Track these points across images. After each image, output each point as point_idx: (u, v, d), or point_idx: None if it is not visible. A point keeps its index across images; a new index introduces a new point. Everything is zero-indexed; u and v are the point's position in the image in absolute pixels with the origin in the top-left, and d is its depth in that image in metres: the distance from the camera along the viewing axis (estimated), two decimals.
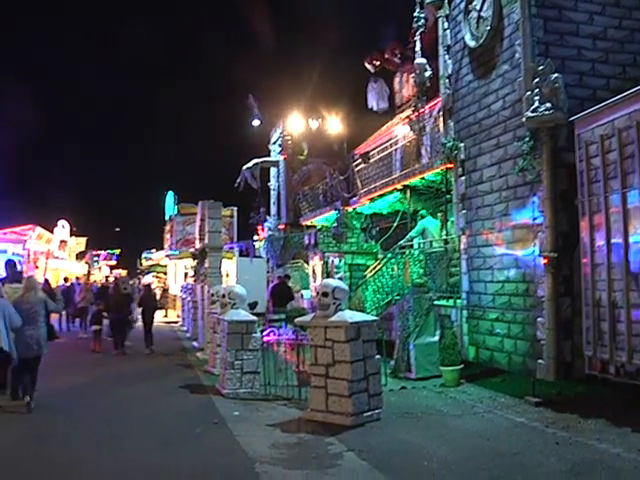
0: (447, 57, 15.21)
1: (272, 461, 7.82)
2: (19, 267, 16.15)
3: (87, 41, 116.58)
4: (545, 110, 11.33)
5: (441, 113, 15.79)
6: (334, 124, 29.61)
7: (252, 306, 18.45)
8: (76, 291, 24.65)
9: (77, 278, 34.44)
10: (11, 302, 11.15)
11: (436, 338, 13.85)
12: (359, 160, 22.88)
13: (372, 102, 27.02)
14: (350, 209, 22.95)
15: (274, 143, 32.26)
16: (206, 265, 19.70)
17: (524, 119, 11.75)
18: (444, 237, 16.72)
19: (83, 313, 23.60)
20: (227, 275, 29.92)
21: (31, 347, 11.05)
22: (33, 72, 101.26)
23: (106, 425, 10.08)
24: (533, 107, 11.49)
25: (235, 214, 35.83)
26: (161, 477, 7.39)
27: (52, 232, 45.97)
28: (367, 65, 26.07)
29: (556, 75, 11.32)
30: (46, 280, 27.92)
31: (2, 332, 10.37)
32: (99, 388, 13.37)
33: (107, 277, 50.25)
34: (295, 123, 30.14)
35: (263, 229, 32.40)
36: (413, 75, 16.69)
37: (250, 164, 30.47)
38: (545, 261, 11.55)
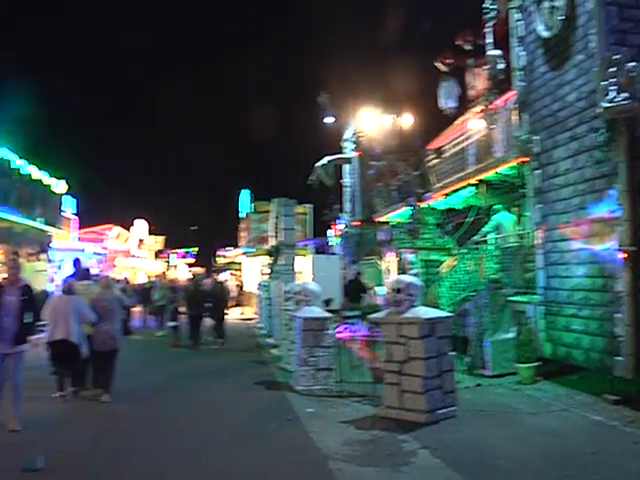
0: (520, 49, 14.96)
1: (345, 458, 7.83)
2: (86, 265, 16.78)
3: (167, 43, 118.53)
4: (622, 100, 11.04)
5: (515, 106, 15.54)
6: (407, 120, 29.46)
7: (327, 303, 18.51)
8: (156, 288, 24.91)
9: (157, 276, 35.09)
10: (89, 299, 11.83)
11: (512, 335, 13.63)
12: (432, 155, 22.69)
13: (442, 102, 26.75)
14: (424, 205, 22.77)
15: (347, 140, 32.25)
16: (280, 262, 19.85)
17: (600, 110, 11.48)
18: (519, 232, 16.48)
19: (162, 310, 23.86)
20: (301, 272, 30.13)
21: (107, 341, 11.75)
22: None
23: (181, 421, 10.29)
24: (609, 97, 11.20)
25: (309, 211, 35.99)
26: (235, 473, 7.46)
27: (131, 231, 46.88)
28: (439, 64, 25.81)
29: (633, 64, 11.02)
30: (125, 278, 28.62)
31: (73, 327, 11.08)
32: (175, 384, 13.65)
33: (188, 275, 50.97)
34: (368, 120, 30.07)
35: (337, 226, 32.46)
36: (485, 68, 16.48)
37: (323, 161, 30.57)
38: (624, 255, 11.26)
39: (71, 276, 14.73)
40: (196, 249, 70.22)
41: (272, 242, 22.11)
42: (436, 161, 22.35)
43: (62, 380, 11.60)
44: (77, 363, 11.55)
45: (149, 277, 41.39)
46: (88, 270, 16.64)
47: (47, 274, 28.73)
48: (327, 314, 12.92)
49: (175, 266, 64.54)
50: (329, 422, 9.84)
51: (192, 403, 11.65)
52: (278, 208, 20.36)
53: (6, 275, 9.73)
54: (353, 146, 31.22)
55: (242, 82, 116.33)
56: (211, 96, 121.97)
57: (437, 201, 21.86)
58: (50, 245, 27.66)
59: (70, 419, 10.39)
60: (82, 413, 10.91)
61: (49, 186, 27.23)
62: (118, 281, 24.59)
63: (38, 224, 25.08)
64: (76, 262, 16.03)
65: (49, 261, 27.70)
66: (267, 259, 26.15)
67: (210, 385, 13.45)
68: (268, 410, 10.95)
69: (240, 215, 44.54)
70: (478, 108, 18.59)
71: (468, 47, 23.92)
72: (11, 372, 9.31)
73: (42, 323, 10.60)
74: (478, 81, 22.08)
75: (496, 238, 17.14)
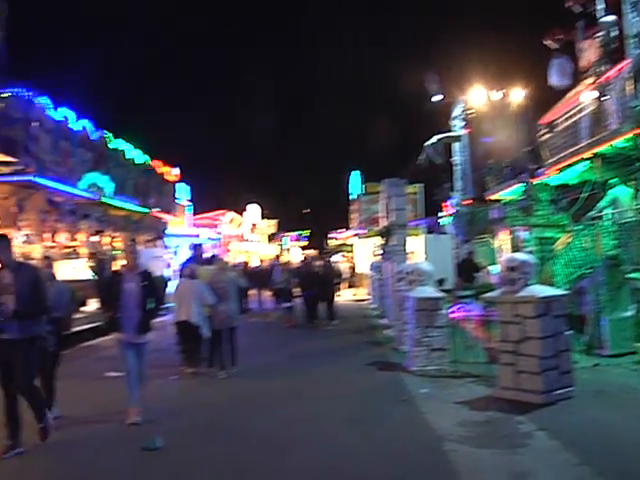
0: (633, 15, 14.40)
1: (460, 439, 7.76)
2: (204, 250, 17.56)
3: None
4: None
5: (630, 75, 14.99)
6: (517, 95, 28.82)
7: (440, 283, 18.37)
8: (276, 271, 25.14)
9: (277, 258, 35.70)
10: (207, 282, 12.81)
11: (630, 313, 13.20)
12: (544, 130, 22.17)
13: (554, 79, 26.02)
14: (537, 181, 22.27)
15: (456, 118, 31.80)
16: (392, 243, 19.76)
17: None
18: (637, 206, 15.92)
19: (282, 292, 24.07)
20: (413, 252, 29.95)
21: (224, 320, 12.72)
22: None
23: (295, 401, 10.45)
24: None
25: (420, 191, 35.74)
26: (349, 453, 7.51)
27: (244, 216, 47.59)
28: (548, 42, 25.09)
29: None
30: (245, 262, 29.19)
31: (194, 308, 12.30)
32: (289, 365, 13.94)
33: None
34: (477, 97, 29.56)
35: (448, 205, 32.11)
36: (597, 36, 15.95)
37: (433, 140, 30.28)
38: None
39: (188, 261, 15.65)
40: (308, 232, 70.78)
41: (383, 223, 22.03)
42: (548, 136, 21.84)
43: (189, 358, 12.75)
44: (198, 342, 12.65)
45: (262, 261, 42.06)
46: (214, 256, 17.34)
47: (164, 260, 29.58)
48: (440, 294, 12.85)
49: (288, 249, 65.27)
50: (443, 403, 9.78)
51: (306, 384, 11.78)
52: (388, 188, 20.23)
53: (125, 262, 9.55)
54: (462, 123, 30.77)
55: (348, 63, 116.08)
56: (318, 78, 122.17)
57: (550, 177, 21.37)
58: (166, 232, 28.39)
59: (190, 397, 10.82)
60: (201, 391, 11.43)
61: (163, 174, 27.94)
62: (236, 265, 25.19)
63: (154, 211, 25.77)
64: (195, 247, 16.68)
65: (165, 247, 28.41)
66: (379, 240, 26.14)
67: (324, 366, 13.58)
68: (382, 391, 10.97)
69: (351, 197, 44.61)
70: (590, 79, 18.02)
71: (578, 9, 23.06)
72: (136, 362, 9.13)
73: (165, 307, 11.24)
74: (589, 51, 21.38)
75: (613, 213, 16.60)
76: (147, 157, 25.54)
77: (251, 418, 9.40)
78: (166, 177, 28.66)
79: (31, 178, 15.31)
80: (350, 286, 38.33)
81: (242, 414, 9.67)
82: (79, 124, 18.98)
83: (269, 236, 58.65)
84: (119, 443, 8.12)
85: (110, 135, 21.46)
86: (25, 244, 19.16)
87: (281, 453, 7.62)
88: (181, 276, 13.57)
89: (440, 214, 32.75)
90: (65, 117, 17.92)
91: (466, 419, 8.75)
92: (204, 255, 17.04)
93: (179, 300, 12.60)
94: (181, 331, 12.68)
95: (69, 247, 20.10)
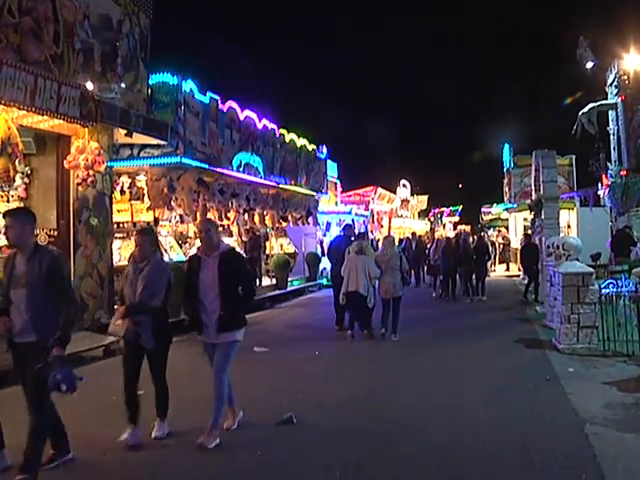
0: None
1: (604, 422, 7.39)
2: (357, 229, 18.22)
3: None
4: None
5: None
6: None
7: (594, 258, 17.68)
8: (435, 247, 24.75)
9: (432, 233, 35.50)
10: (374, 256, 14.40)
11: None
12: None
13: None
14: None
15: (610, 85, 30.30)
16: (542, 216, 19.16)
17: None
18: None
19: (436, 268, 23.78)
20: (568, 226, 29.00)
21: (389, 290, 14.00)
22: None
23: (438, 375, 10.45)
24: None
25: (573, 162, 34.49)
26: (486, 431, 7.33)
27: (394, 192, 47.43)
28: None
29: None
30: (407, 238, 29.17)
31: (362, 280, 13.49)
32: (437, 338, 14.04)
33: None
34: (632, 61, 28.05)
35: (607, 176, 30.76)
36: None
37: (586, 109, 29.02)
38: None
39: (337, 239, 16.99)
40: (461, 207, 69.84)
41: (533, 196, 21.41)
42: None
43: (349, 323, 14.56)
44: (365, 310, 13.97)
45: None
46: (365, 232, 18.00)
47: (315, 237, 29.95)
48: (589, 269, 12.32)
49: (444, 225, 64.66)
50: (590, 383, 9.40)
51: (450, 359, 11.77)
52: (538, 160, 19.60)
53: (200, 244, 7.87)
54: (617, 90, 29.30)
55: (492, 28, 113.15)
56: (462, 47, 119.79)
57: None
58: (316, 209, 28.65)
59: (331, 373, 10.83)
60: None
61: (312, 152, 28.18)
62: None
63: (303, 189, 26.06)
64: (346, 227, 17.17)
65: (316, 224, 28.71)
66: (530, 214, 25.46)
67: (470, 342, 13.44)
68: (527, 369, 10.71)
69: (504, 170, 43.65)
70: None
71: None
72: (215, 367, 7.22)
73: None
74: None
75: None
76: (295, 136, 25.79)
77: (391, 390, 9.44)
78: (315, 155, 28.88)
79: (180, 159, 15.73)
80: (503, 261, 37.61)
81: (383, 385, 9.73)
82: (226, 106, 19.37)
83: (420, 212, 58.23)
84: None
85: (257, 116, 21.80)
86: (178, 224, 19.95)
87: (417, 428, 7.53)
88: (328, 253, 16.34)
89: (595, 186, 31.40)
90: (212, 99, 18.32)
91: (613, 401, 8.35)
92: (364, 233, 17.71)
93: (348, 273, 13.74)
94: (350, 300, 13.82)
95: (220, 225, 20.68)
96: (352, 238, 15.75)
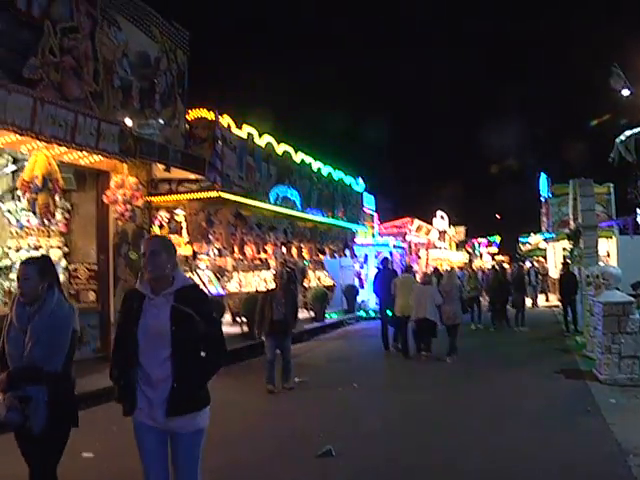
0: None
1: None
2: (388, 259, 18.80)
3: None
4: None
5: None
6: None
7: (635, 286, 17.44)
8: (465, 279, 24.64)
9: (469, 264, 35.34)
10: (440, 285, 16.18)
11: None
12: None
13: None
14: None
15: None
16: (581, 246, 19.01)
17: None
18: None
19: (473, 302, 23.59)
20: (608, 255, 28.67)
21: (450, 318, 15.35)
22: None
23: (479, 403, 10.48)
24: None
25: (611, 190, 34.18)
26: (527, 461, 7.26)
27: (430, 223, 47.36)
28: None
29: None
30: (435, 268, 29.08)
31: (430, 308, 14.82)
32: (477, 369, 14.04)
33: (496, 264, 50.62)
34: None
35: None
36: None
37: (623, 137, 28.78)
38: None
39: (379, 272, 17.88)
40: (499, 238, 69.52)
41: (572, 225, 21.25)
42: None
43: (422, 345, 15.54)
44: (433, 334, 15.35)
45: (452, 268, 41.64)
46: (411, 267, 20.31)
47: (353, 269, 29.98)
48: (629, 298, 12.19)
49: (480, 255, 64.35)
50: (632, 414, 9.27)
51: (491, 388, 11.83)
52: (576, 189, 19.49)
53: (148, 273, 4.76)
54: None
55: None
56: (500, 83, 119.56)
57: None
58: (353, 241, 28.69)
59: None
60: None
61: (349, 185, 28.31)
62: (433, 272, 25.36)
63: (340, 222, 26.12)
64: (384, 261, 18.26)
65: (353, 257, 28.74)
66: (568, 243, 25.23)
67: (512, 371, 13.50)
68: (567, 399, 10.61)
69: (541, 199, 43.39)
70: None
71: None
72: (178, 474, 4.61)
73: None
74: None
75: None
76: (332, 169, 25.95)
77: (431, 421, 9.40)
78: (352, 188, 29.02)
79: (219, 194, 15.88)
80: (542, 292, 37.27)
81: (422, 415, 9.72)
82: (263, 140, 19.59)
83: (457, 243, 58.04)
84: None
85: (294, 149, 21.99)
86: (216, 257, 20.10)
87: (457, 455, 7.52)
88: (375, 287, 17.72)
89: (634, 214, 30.99)
90: (249, 133, 18.54)
91: None
92: (410, 267, 19.24)
93: (417, 301, 15.04)
94: (420, 325, 15.15)
95: (257, 259, 20.81)
96: (397, 271, 16.42)
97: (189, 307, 4.54)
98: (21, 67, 11.18)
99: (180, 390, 4.44)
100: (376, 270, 22.89)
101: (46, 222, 12.59)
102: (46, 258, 5.49)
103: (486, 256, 65.36)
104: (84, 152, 11.87)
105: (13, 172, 12.96)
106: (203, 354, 4.65)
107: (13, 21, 11.17)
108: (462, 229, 59.54)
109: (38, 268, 5.06)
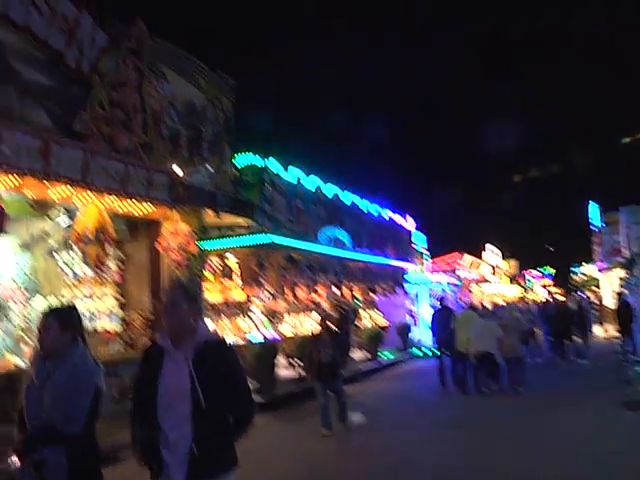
0: None
1: None
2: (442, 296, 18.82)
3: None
4: None
5: None
6: None
7: None
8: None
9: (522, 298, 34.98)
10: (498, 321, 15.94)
11: None
12: None
13: None
14: None
15: None
16: (636, 274, 18.76)
17: None
18: None
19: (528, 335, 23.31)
20: None
21: (510, 350, 15.30)
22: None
23: (539, 436, 10.29)
24: None
25: None
26: None
27: (479, 257, 47.05)
28: None
29: None
30: (494, 303, 28.82)
31: (491, 341, 15.08)
32: (538, 403, 13.85)
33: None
34: None
35: None
36: None
37: None
38: None
39: (437, 312, 17.83)
40: (552, 269, 68.71)
41: (625, 254, 20.98)
42: None
43: (483, 378, 15.66)
44: (495, 367, 15.46)
45: (506, 302, 41.22)
46: (473, 304, 20.06)
47: (405, 307, 29.85)
48: None
49: (531, 288, 63.56)
50: None
51: (551, 420, 11.78)
52: (627, 217, 19.28)
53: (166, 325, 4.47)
54: None
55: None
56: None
57: None
58: (405, 279, 28.60)
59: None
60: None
61: (399, 225, 28.35)
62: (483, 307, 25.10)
63: (391, 261, 26.09)
64: (441, 299, 18.48)
65: (405, 295, 28.64)
66: (623, 272, 24.87)
67: (572, 404, 13.31)
68: (630, 432, 10.39)
69: (591, 229, 42.90)
70: None
71: None
72: None
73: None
74: None
75: None
76: (379, 207, 26.04)
77: (495, 458, 9.28)
78: (401, 226, 29.05)
79: (271, 239, 16.01)
80: (599, 322, 36.65)
81: (485, 452, 9.58)
82: (310, 182, 19.74)
83: (510, 276, 57.46)
84: None
85: (341, 190, 22.12)
86: (269, 300, 20.17)
87: None
88: (433, 325, 17.42)
89: None
90: (297, 177, 18.73)
91: None
92: (472, 305, 19.03)
93: (480, 335, 15.27)
94: (481, 359, 15.30)
95: (309, 300, 20.82)
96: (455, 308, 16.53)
97: (211, 364, 4.12)
98: (72, 121, 11.52)
99: (200, 452, 4.03)
100: (430, 308, 22.82)
101: (99, 272, 12.80)
102: (70, 308, 4.91)
103: (539, 288, 64.51)
104: (135, 201, 12.09)
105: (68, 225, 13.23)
106: (228, 414, 4.22)
107: (64, 77, 11.57)
108: (515, 262, 58.96)
109: (60, 318, 4.60)
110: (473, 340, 15.38)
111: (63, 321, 4.57)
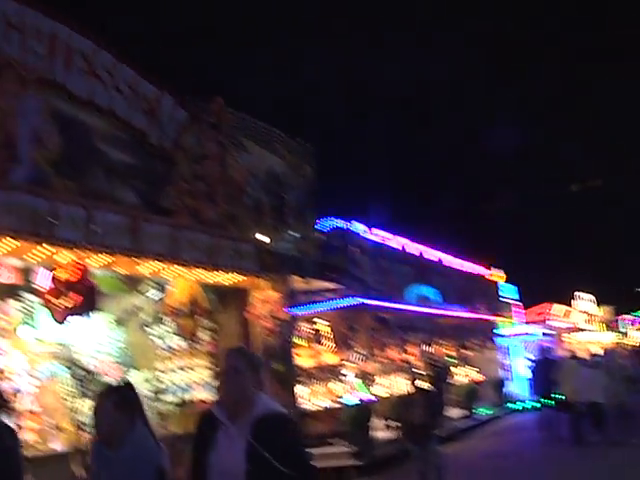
0: None
1: None
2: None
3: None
4: None
5: None
6: None
7: None
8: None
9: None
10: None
11: None
12: None
13: None
14: None
15: None
16: None
17: None
18: None
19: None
20: None
21: (616, 397, 15.11)
22: None
23: None
24: None
25: None
26: None
27: (569, 304, 46.03)
28: None
29: None
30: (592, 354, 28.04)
31: (599, 390, 14.92)
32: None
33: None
34: None
35: None
36: None
37: None
38: None
39: (537, 363, 18.13)
40: None
41: None
42: None
43: (589, 428, 15.46)
44: (604, 416, 15.18)
45: (604, 349, 40.12)
46: (575, 355, 19.12)
47: (498, 361, 29.28)
48: None
49: (626, 333, 61.55)
50: None
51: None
52: None
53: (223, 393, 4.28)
54: None
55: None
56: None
57: None
58: (496, 332, 28.14)
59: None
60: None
61: (487, 276, 28.04)
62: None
63: (481, 315, 25.74)
64: (542, 349, 20.12)
65: (498, 348, 28.16)
66: None
67: None
68: None
69: None
70: None
71: None
72: None
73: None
74: None
75: None
76: (466, 262, 25.83)
77: None
78: (490, 279, 28.70)
79: (362, 301, 15.98)
80: None
81: None
82: (395, 241, 19.72)
83: (606, 323, 55.76)
84: None
85: (427, 247, 22.03)
86: (363, 362, 20.05)
87: None
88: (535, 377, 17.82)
89: None
90: (381, 237, 18.74)
91: None
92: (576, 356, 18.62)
93: (589, 385, 15.04)
94: (587, 409, 15.14)
95: (401, 360, 20.59)
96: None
97: (269, 442, 3.63)
98: (158, 197, 11.77)
99: None
100: (525, 360, 22.31)
101: (192, 343, 12.91)
102: (126, 386, 4.46)
103: (635, 332, 62.34)
104: (223, 272, 12.20)
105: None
106: None
107: (147, 155, 11.87)
108: (609, 308, 57.30)
109: (115, 400, 4.15)
110: (579, 390, 15.16)
111: (119, 402, 4.15)
